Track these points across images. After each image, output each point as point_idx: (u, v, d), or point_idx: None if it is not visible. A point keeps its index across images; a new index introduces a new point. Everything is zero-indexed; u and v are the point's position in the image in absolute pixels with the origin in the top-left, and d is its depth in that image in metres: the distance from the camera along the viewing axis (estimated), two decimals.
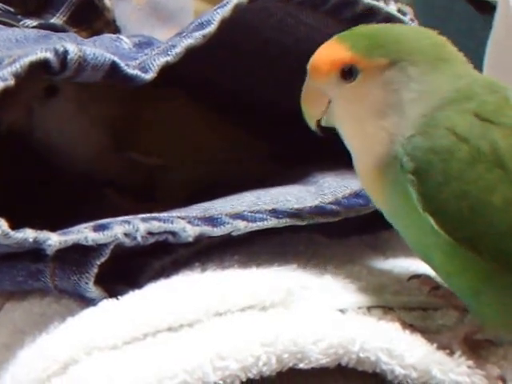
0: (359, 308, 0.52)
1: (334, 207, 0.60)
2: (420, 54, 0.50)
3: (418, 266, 0.56)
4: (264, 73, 0.69)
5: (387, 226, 0.52)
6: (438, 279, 0.54)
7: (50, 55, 0.51)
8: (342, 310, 0.51)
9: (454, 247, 0.46)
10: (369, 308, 0.52)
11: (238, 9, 0.59)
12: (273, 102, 0.69)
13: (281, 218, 0.56)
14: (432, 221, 0.46)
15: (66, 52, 0.52)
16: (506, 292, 0.47)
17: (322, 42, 0.53)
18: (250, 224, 0.55)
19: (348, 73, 0.50)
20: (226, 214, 0.55)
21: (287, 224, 0.56)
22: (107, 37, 0.65)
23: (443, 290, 0.54)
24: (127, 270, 0.54)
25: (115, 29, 0.89)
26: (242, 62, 0.68)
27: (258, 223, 0.55)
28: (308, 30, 0.63)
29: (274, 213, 0.57)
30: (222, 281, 0.52)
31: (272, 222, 0.56)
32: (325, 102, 0.53)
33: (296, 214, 0.57)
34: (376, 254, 0.62)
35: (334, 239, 0.62)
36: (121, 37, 0.64)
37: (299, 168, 0.70)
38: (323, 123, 0.54)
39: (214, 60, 0.64)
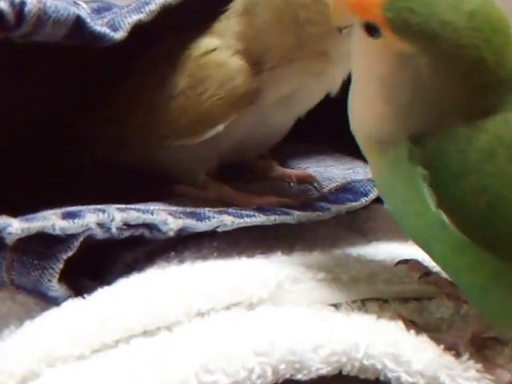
0: (353, 302, 0.49)
1: (322, 204, 0.58)
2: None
3: (403, 249, 0.55)
4: None
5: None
6: (427, 264, 0.52)
7: (3, 5, 0.48)
8: (335, 305, 0.49)
9: (466, 244, 0.44)
10: (363, 301, 0.50)
11: None
12: None
13: (269, 215, 0.55)
14: (446, 219, 0.44)
15: (22, 3, 0.49)
16: None
17: None
18: (237, 220, 0.53)
19: (371, 28, 0.44)
20: (210, 210, 0.54)
21: (277, 222, 0.55)
22: (64, 1, 0.61)
23: (434, 276, 0.52)
24: (95, 263, 0.51)
25: None
26: None
27: (246, 219, 0.54)
28: None
29: (262, 210, 0.55)
30: (203, 274, 0.50)
31: (260, 219, 0.54)
32: (349, 22, 0.47)
33: (285, 212, 0.56)
34: (358, 237, 0.60)
35: None
36: (78, 2, 0.61)
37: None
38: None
39: None
